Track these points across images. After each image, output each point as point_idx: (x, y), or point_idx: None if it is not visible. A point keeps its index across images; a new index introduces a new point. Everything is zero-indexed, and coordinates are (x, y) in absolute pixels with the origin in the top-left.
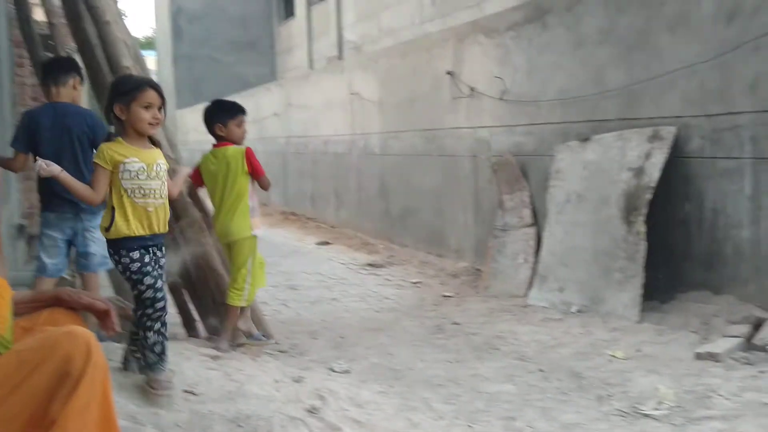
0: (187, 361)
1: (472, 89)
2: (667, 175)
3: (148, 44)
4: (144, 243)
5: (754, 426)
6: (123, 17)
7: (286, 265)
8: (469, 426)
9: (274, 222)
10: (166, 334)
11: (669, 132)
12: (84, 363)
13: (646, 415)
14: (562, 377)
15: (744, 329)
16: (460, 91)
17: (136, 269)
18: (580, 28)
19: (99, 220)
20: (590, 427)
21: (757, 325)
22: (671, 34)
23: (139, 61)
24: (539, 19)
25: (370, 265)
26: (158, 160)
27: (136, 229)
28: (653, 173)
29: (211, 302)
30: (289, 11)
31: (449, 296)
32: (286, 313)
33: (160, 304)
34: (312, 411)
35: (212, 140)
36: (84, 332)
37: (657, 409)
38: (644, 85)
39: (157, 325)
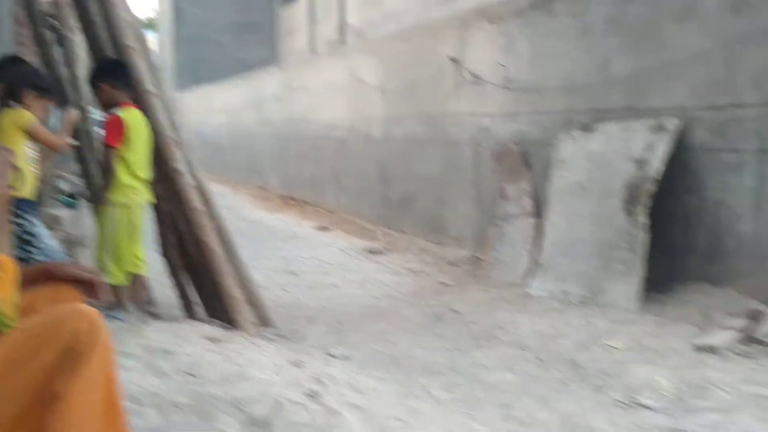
0: (186, 343)
1: (476, 76)
2: (671, 166)
3: (150, 25)
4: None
5: (752, 418)
6: None
7: (285, 249)
8: (469, 414)
9: (272, 206)
10: None
11: (673, 123)
12: (90, 341)
13: (644, 406)
14: (562, 367)
15: (743, 322)
16: (464, 78)
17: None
18: (587, 17)
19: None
20: (588, 416)
21: (756, 319)
22: (679, 24)
23: (141, 42)
24: (545, 6)
25: (369, 251)
26: None
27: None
28: (657, 165)
29: (210, 283)
30: None
31: (449, 284)
32: (286, 298)
33: None
34: (312, 395)
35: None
36: (91, 310)
37: (654, 400)
38: (650, 75)
39: None
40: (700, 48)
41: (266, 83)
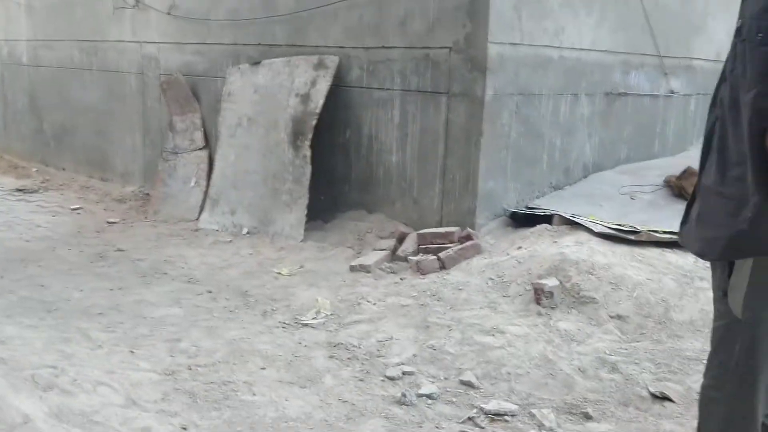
0: None
1: (138, 0)
2: (332, 102)
3: None
4: None
5: (393, 324)
6: None
7: None
8: (131, 351)
9: None
10: None
11: (333, 61)
12: None
13: (306, 325)
14: (230, 297)
15: (390, 243)
16: (124, 1)
17: None
18: None
19: None
20: (254, 340)
21: (401, 239)
22: None
23: None
24: None
25: (19, 190)
26: None
27: None
28: (318, 100)
29: None
30: None
31: (114, 222)
32: None
33: None
34: None
35: None
36: None
37: (315, 319)
38: (311, 14)
39: None
40: None
41: None
